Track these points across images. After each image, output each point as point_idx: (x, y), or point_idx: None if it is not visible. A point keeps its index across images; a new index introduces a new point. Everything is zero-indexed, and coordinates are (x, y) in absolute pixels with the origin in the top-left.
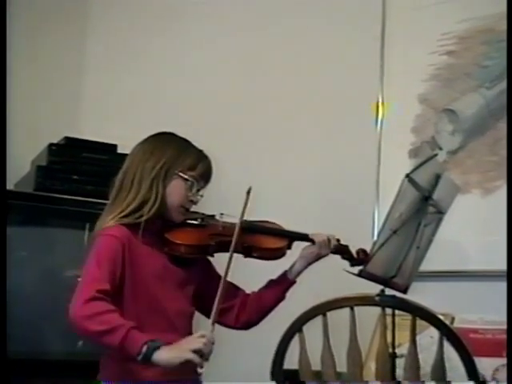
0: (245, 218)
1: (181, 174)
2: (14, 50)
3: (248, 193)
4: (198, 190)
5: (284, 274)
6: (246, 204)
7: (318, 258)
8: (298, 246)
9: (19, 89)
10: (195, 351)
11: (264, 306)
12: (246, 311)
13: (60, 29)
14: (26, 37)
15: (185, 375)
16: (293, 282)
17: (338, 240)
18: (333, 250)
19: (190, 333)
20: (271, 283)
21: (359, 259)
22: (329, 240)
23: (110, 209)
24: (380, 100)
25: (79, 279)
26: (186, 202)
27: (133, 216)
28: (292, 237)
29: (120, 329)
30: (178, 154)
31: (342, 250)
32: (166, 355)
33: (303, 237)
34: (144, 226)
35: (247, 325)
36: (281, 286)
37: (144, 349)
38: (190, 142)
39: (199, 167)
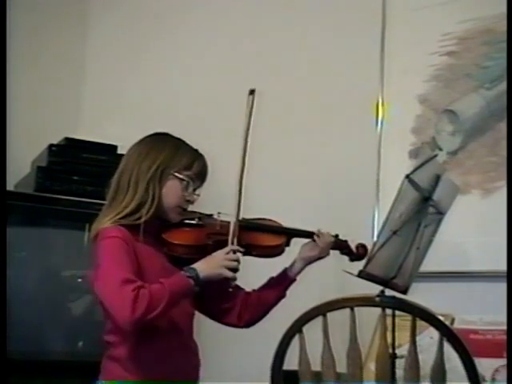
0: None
1: (176, 174)
2: (15, 50)
3: (251, 93)
4: (195, 190)
5: (284, 272)
6: (251, 107)
7: (318, 259)
8: (297, 243)
9: (19, 89)
10: (230, 269)
11: (265, 304)
12: (247, 310)
13: (60, 30)
14: (27, 37)
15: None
16: (293, 280)
17: (337, 235)
18: (332, 246)
19: (191, 333)
20: (271, 281)
21: (358, 254)
22: (330, 241)
23: (106, 210)
24: (380, 100)
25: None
26: (183, 202)
27: (131, 218)
28: (290, 233)
29: (164, 292)
30: (173, 154)
31: (340, 246)
32: (209, 271)
33: (302, 233)
34: (143, 227)
35: (248, 323)
36: (281, 283)
37: (190, 281)
38: (184, 141)
39: (195, 166)
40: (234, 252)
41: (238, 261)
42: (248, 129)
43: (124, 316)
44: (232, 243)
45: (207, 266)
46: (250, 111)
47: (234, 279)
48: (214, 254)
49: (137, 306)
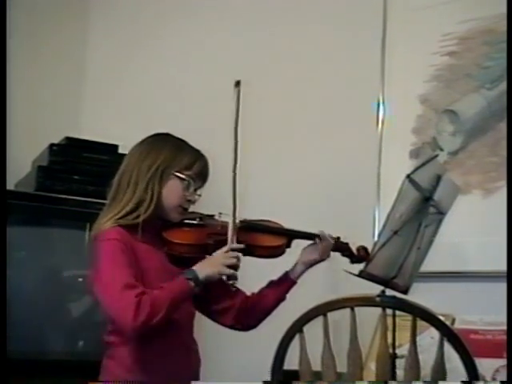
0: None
1: (177, 173)
2: (15, 50)
3: (237, 85)
4: (196, 190)
5: (285, 275)
6: (238, 100)
7: (319, 262)
8: (298, 245)
9: (20, 89)
10: (230, 266)
11: (264, 307)
12: (246, 312)
13: (60, 29)
14: (27, 37)
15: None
16: (294, 283)
17: (339, 238)
18: (333, 248)
19: (192, 333)
20: (272, 284)
21: (359, 256)
22: (331, 244)
23: (107, 210)
24: (381, 100)
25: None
26: (184, 202)
27: (129, 217)
28: (291, 235)
29: (165, 297)
30: (174, 154)
31: (342, 248)
32: (209, 272)
33: (303, 235)
34: (143, 227)
35: (247, 326)
36: (281, 286)
37: (190, 283)
38: (186, 141)
39: (196, 166)
40: (234, 250)
41: (238, 258)
42: (237, 121)
43: (126, 322)
44: (232, 242)
45: (206, 267)
46: (237, 103)
47: (235, 277)
48: (214, 254)
49: (139, 313)
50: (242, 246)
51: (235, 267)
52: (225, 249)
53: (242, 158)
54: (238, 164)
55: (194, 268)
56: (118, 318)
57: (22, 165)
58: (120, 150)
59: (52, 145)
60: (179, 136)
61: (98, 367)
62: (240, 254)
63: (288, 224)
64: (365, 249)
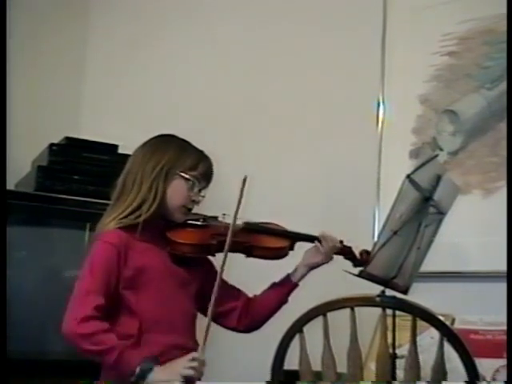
0: (241, 209)
1: (182, 173)
2: (15, 50)
3: (244, 182)
4: (200, 190)
5: (287, 277)
6: (241, 193)
7: (321, 265)
8: (301, 247)
9: (20, 89)
10: (186, 377)
11: (266, 309)
12: (248, 314)
13: (60, 29)
14: (27, 37)
15: None
16: (296, 285)
17: (342, 241)
18: (336, 251)
19: (193, 335)
20: (274, 286)
21: (362, 260)
22: (334, 247)
23: (110, 211)
24: (381, 100)
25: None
26: (188, 202)
27: (132, 216)
28: (294, 237)
29: (113, 351)
30: (178, 155)
31: (344, 251)
32: (158, 377)
33: (306, 237)
34: (146, 227)
35: (249, 328)
36: (283, 289)
37: (137, 370)
38: (190, 142)
39: (200, 167)
40: (195, 360)
41: (197, 370)
42: (236, 214)
43: (69, 323)
44: (228, 251)
45: (163, 372)
46: (240, 197)
47: None
48: (177, 360)
49: (85, 325)
50: (202, 359)
51: (192, 379)
52: (188, 356)
53: (243, 158)
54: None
55: (154, 370)
56: (66, 314)
57: (21, 165)
58: (120, 150)
59: (52, 145)
60: (181, 137)
61: (97, 367)
62: (204, 362)
63: (288, 224)
64: (368, 252)
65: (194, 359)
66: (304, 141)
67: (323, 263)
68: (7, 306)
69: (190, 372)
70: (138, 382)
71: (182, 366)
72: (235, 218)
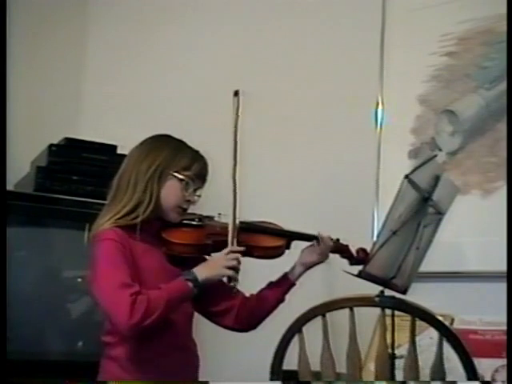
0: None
1: (175, 174)
2: (14, 50)
3: (236, 94)
4: (195, 190)
5: (284, 276)
6: (237, 108)
7: (318, 264)
8: (298, 246)
9: (19, 89)
10: (230, 268)
11: (263, 308)
12: (245, 313)
13: (60, 29)
14: (26, 37)
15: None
16: (293, 284)
17: (338, 239)
18: (332, 250)
19: (190, 333)
20: (271, 285)
21: (359, 258)
22: (330, 246)
23: (106, 211)
24: (380, 101)
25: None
26: (183, 202)
27: (128, 217)
28: (291, 236)
29: (163, 301)
30: (172, 155)
31: (341, 250)
32: (208, 273)
33: (302, 236)
34: (142, 227)
35: (247, 327)
36: (281, 287)
37: (189, 285)
38: (185, 142)
39: (194, 167)
40: (234, 252)
41: (238, 260)
42: (236, 133)
43: (122, 321)
44: (232, 244)
45: (206, 268)
46: (236, 114)
47: (236, 279)
48: (214, 255)
49: (134, 312)
50: (242, 248)
51: (236, 269)
52: (225, 251)
53: (241, 158)
54: (237, 172)
55: (194, 270)
56: (113, 317)
57: (21, 165)
58: (119, 151)
59: (51, 145)
60: (178, 136)
61: (97, 367)
62: (240, 256)
63: (287, 224)
64: (364, 251)
65: (228, 252)
66: (303, 141)
67: (320, 262)
68: (7, 306)
69: (234, 262)
70: (199, 288)
71: (222, 259)
72: (234, 217)
